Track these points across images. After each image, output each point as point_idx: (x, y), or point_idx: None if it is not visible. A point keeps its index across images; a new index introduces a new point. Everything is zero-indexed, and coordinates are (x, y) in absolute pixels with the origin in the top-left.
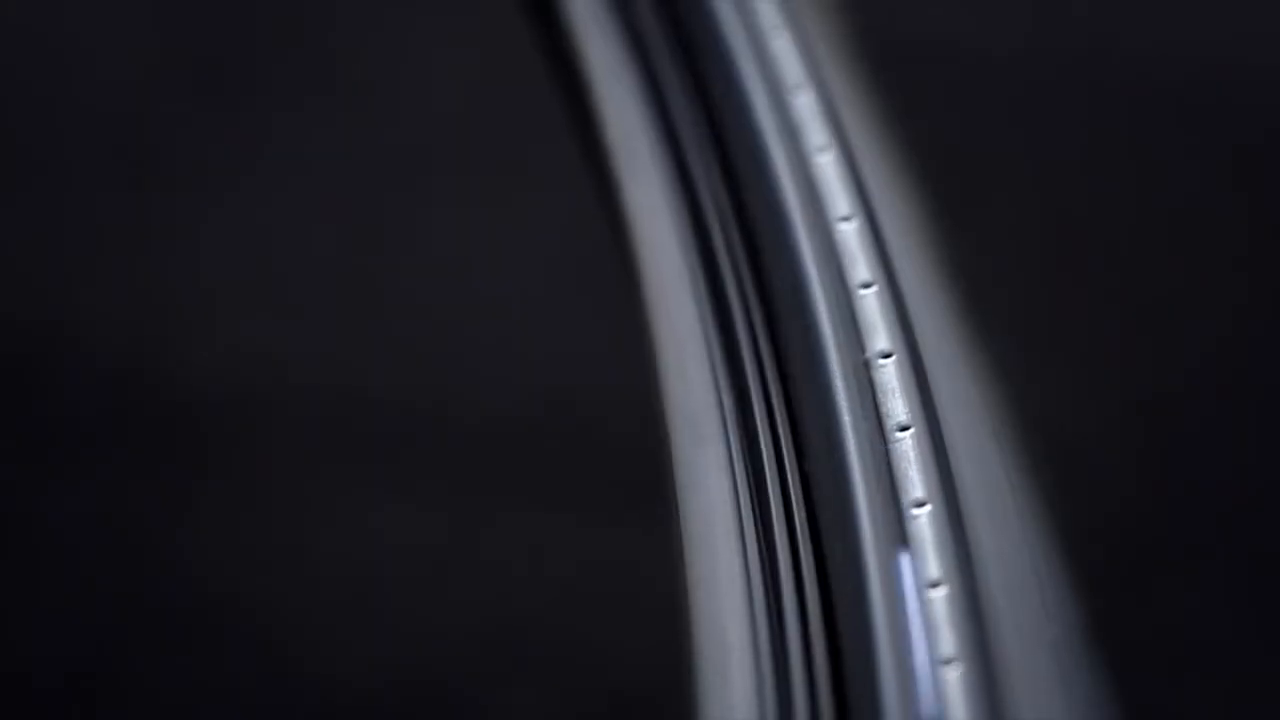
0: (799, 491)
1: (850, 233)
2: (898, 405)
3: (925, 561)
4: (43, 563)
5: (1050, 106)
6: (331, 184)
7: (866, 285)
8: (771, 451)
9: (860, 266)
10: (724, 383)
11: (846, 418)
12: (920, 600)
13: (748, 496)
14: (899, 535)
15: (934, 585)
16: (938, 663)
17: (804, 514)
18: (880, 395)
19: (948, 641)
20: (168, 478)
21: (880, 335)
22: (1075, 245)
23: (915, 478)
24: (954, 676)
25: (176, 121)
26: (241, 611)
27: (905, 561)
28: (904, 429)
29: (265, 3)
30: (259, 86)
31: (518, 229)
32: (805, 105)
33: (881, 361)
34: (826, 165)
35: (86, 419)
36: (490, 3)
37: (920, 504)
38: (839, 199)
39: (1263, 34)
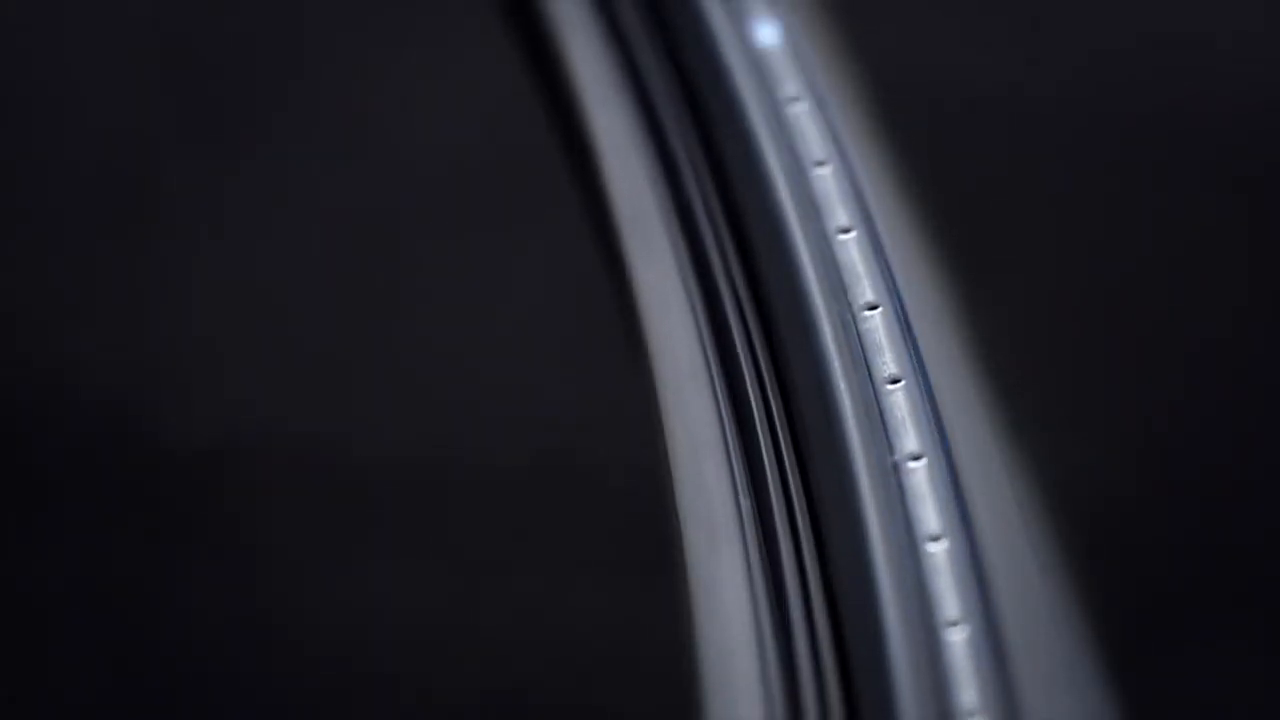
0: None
1: (877, 322)
2: (909, 435)
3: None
4: (23, 624)
5: (1072, 144)
6: (325, 232)
7: (894, 381)
8: (791, 549)
9: (886, 357)
10: (737, 460)
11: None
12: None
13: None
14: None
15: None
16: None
17: (819, 575)
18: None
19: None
20: (154, 536)
21: (909, 435)
22: (1095, 292)
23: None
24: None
25: (165, 167)
26: (230, 675)
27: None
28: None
29: (259, 46)
30: (251, 132)
31: (517, 277)
32: (826, 178)
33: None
34: (850, 243)
35: (70, 473)
36: (488, 40)
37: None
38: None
39: None
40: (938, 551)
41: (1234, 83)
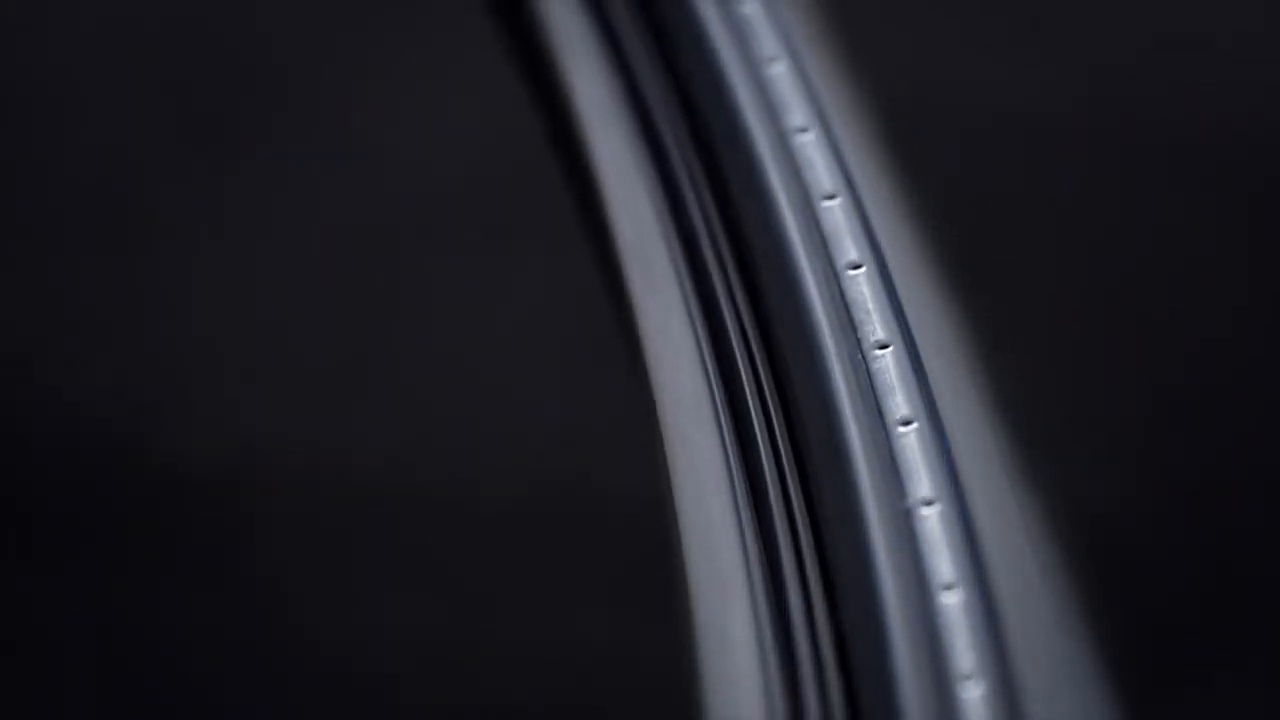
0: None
1: (888, 361)
2: (921, 480)
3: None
4: (18, 648)
5: (1082, 162)
6: (326, 253)
7: (906, 423)
8: (801, 600)
9: (897, 398)
10: (742, 504)
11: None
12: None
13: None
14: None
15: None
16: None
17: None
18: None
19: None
20: (154, 565)
21: (922, 479)
22: (1101, 311)
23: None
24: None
25: (164, 175)
26: (232, 707)
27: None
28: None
29: (258, 54)
30: (251, 142)
31: (519, 300)
32: (835, 211)
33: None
34: (860, 279)
35: (65, 493)
36: (489, 47)
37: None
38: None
39: None
40: (952, 601)
41: (1241, 94)
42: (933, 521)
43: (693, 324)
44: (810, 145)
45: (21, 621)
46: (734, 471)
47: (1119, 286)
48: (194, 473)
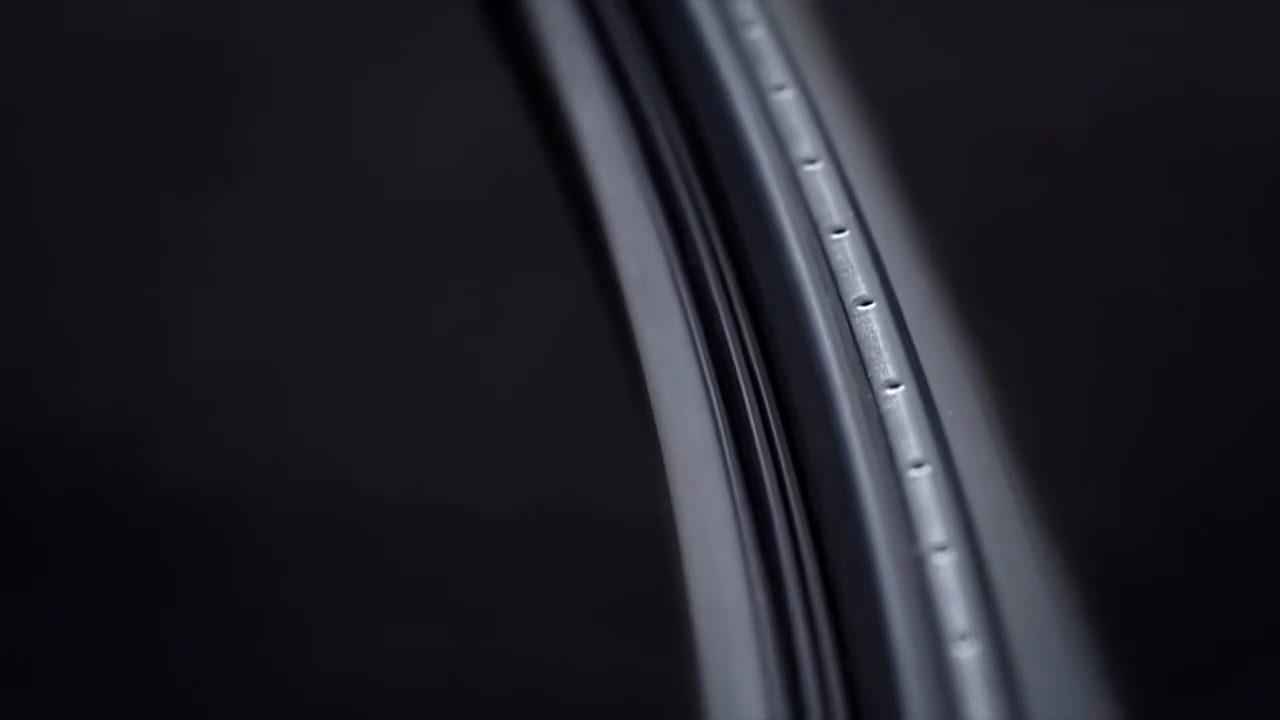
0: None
1: (899, 401)
2: (934, 525)
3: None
4: (9, 682)
5: (1082, 176)
6: (320, 273)
7: (918, 466)
8: (809, 646)
9: (911, 441)
10: (750, 549)
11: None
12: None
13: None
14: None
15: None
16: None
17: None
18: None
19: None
20: (150, 593)
21: (935, 526)
22: (1110, 330)
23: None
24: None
25: (157, 202)
26: None
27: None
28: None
29: (248, 76)
30: (244, 165)
31: (518, 318)
32: (845, 245)
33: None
34: (870, 317)
35: (60, 524)
36: (482, 68)
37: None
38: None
39: None
40: (967, 655)
41: (1253, 107)
42: (946, 570)
43: (699, 362)
44: (819, 177)
45: (16, 644)
46: (740, 515)
47: (1131, 308)
48: (191, 495)
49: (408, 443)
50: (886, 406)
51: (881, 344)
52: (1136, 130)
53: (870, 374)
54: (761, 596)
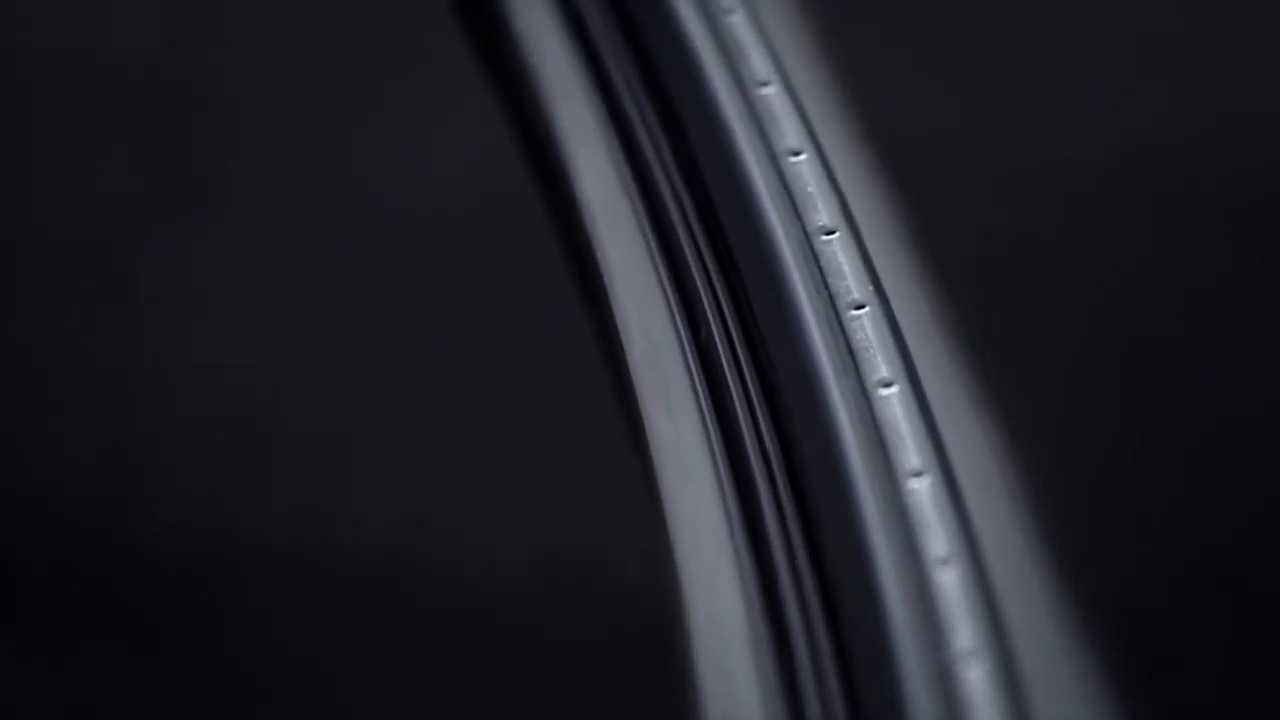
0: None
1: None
2: (936, 536)
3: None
4: None
5: (1089, 212)
6: (313, 315)
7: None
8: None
9: (937, 535)
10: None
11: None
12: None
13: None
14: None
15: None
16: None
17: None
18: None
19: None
20: (135, 655)
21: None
22: (1116, 364)
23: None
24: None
25: (144, 242)
26: None
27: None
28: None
29: (234, 114)
30: (233, 205)
31: (516, 365)
32: (865, 322)
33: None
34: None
35: (45, 578)
36: (475, 114)
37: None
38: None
39: None
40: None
41: (1270, 143)
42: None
43: (711, 449)
44: (838, 247)
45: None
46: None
47: (1144, 341)
48: (177, 551)
49: (401, 497)
50: (910, 499)
51: (905, 431)
52: (1157, 164)
53: (893, 461)
54: (766, 639)
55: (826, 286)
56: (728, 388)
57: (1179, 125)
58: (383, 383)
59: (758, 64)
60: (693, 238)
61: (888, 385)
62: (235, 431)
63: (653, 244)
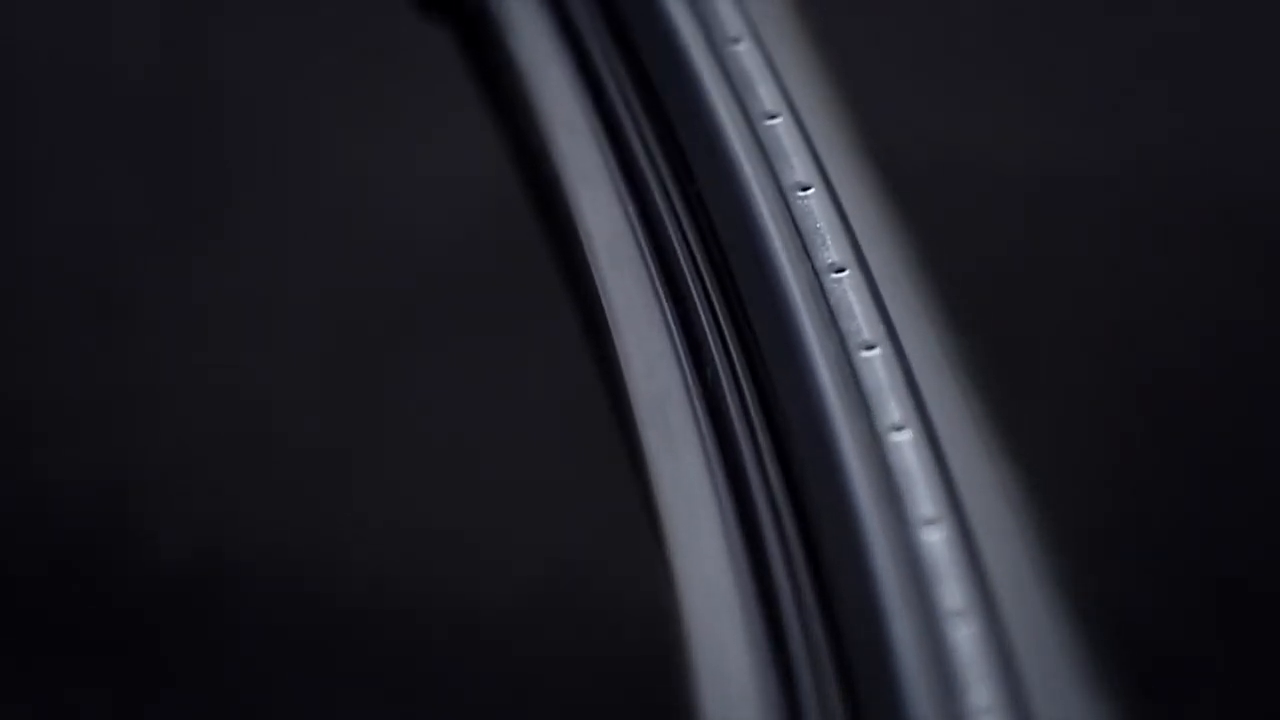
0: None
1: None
2: (951, 587)
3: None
4: None
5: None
6: (312, 331)
7: (959, 615)
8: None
9: (952, 585)
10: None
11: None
12: None
13: None
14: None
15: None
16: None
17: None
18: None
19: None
20: (122, 684)
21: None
22: (1131, 388)
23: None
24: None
25: (135, 264)
26: None
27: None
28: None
29: (232, 137)
30: (232, 219)
31: (513, 390)
32: (876, 363)
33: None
34: (905, 448)
35: (36, 609)
36: (474, 135)
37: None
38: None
39: None
40: (963, 634)
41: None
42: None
43: (717, 494)
44: (849, 286)
45: None
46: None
47: (1150, 365)
48: (168, 576)
49: (397, 522)
50: (924, 549)
51: (918, 476)
52: (1162, 183)
53: (905, 509)
54: (773, 682)
55: (836, 326)
56: (733, 431)
57: (1205, 150)
58: (382, 402)
59: (765, 96)
60: (699, 275)
61: (899, 429)
62: (234, 448)
63: (658, 282)
